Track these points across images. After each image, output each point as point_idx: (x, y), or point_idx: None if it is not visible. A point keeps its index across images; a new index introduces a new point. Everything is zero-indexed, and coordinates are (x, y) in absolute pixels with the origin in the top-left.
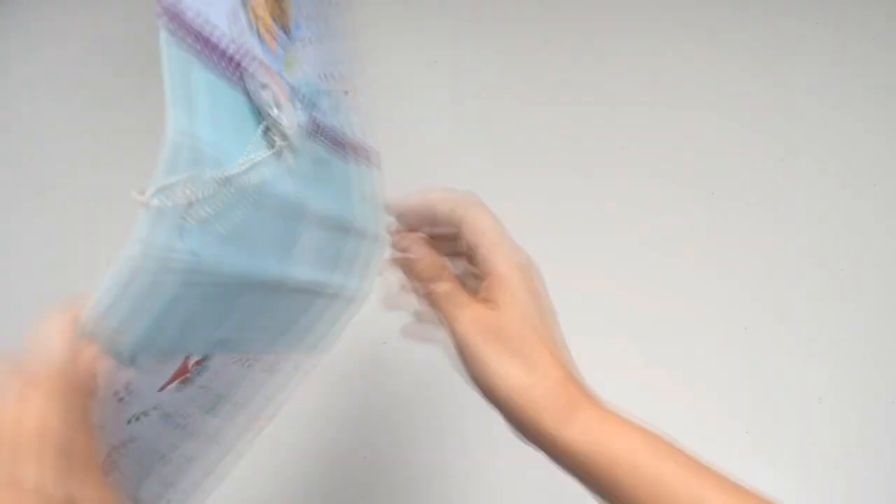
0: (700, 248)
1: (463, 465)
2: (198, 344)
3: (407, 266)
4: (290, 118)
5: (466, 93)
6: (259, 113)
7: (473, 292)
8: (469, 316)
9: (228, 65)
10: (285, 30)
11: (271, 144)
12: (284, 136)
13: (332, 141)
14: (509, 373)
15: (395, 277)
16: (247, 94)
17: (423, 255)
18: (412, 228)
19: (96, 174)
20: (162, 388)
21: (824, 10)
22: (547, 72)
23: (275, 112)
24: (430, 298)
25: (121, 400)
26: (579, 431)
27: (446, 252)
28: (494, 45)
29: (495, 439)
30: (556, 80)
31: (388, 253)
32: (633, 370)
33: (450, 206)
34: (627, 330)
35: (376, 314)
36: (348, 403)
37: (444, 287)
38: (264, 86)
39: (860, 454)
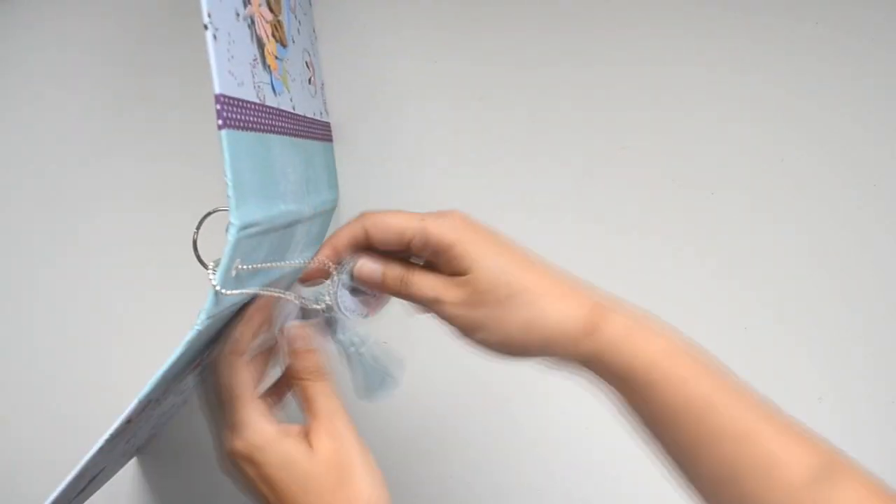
0: (700, 247)
1: (464, 465)
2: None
3: (373, 286)
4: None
5: (466, 92)
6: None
7: (439, 271)
8: (449, 299)
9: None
10: (282, 42)
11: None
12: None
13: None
14: (514, 318)
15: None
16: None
17: (381, 274)
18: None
19: (97, 174)
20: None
21: (824, 10)
22: (547, 71)
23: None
24: (408, 301)
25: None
26: (608, 342)
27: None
28: (494, 45)
29: (496, 438)
30: (556, 79)
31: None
32: None
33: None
34: None
35: (375, 315)
36: (348, 403)
37: (414, 288)
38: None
39: (861, 454)
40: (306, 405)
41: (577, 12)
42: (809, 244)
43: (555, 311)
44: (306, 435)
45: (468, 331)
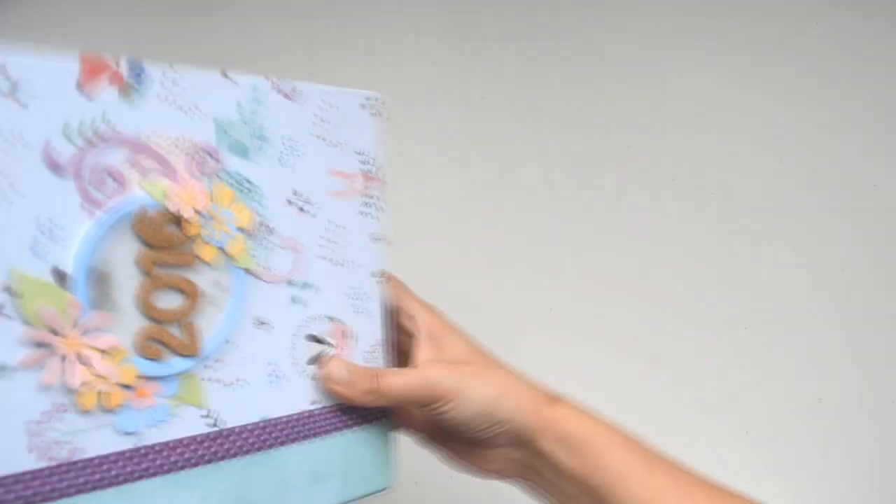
0: (700, 248)
1: None
2: None
3: (338, 391)
4: None
5: (467, 93)
6: None
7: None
8: (429, 365)
9: None
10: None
11: None
12: None
13: None
14: (491, 382)
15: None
16: None
17: (350, 376)
18: None
19: None
20: None
21: (824, 10)
22: (549, 72)
23: None
24: (376, 403)
25: None
26: (564, 410)
27: None
28: (495, 46)
29: None
30: (557, 80)
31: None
32: (634, 370)
33: None
34: (628, 330)
35: None
36: None
37: (387, 379)
38: None
39: (860, 455)
40: None
41: (579, 15)
42: (809, 244)
43: (520, 382)
44: None
45: (449, 397)
